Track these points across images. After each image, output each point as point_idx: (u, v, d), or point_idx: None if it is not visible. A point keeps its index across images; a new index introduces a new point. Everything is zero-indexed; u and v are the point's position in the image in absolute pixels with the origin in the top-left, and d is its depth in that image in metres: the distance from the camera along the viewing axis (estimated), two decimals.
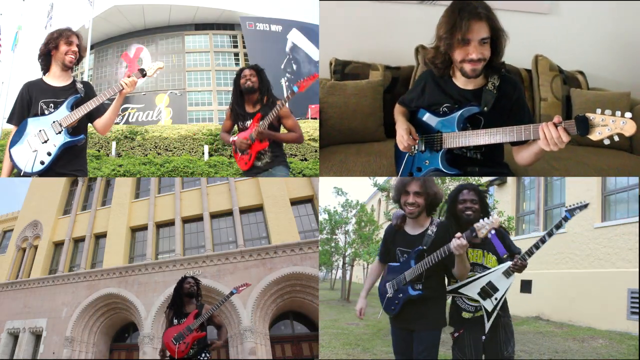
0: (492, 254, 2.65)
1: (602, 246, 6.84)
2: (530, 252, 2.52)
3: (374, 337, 6.49)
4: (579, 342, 5.65)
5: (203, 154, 11.86)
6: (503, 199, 9.52)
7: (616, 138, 2.32)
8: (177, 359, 3.19)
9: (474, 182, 7.53)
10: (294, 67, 32.47)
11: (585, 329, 6.48)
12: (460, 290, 2.59)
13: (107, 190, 12.07)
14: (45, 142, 2.90)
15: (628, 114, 2.30)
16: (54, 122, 2.92)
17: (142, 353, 8.43)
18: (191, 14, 33.21)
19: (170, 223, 10.44)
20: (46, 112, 2.96)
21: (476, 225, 2.33)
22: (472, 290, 2.54)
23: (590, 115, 2.36)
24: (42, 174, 2.93)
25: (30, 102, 3.02)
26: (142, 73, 3.02)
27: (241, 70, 3.89)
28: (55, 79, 3.04)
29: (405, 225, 2.76)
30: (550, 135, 2.45)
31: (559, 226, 2.52)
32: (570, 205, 2.55)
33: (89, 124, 3.13)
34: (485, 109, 2.88)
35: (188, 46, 34.23)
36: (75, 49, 3.01)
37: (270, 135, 3.74)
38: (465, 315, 2.62)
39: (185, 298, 3.43)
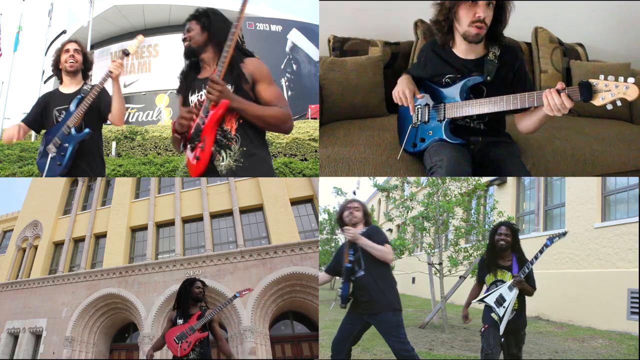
0: (511, 273, 3.17)
1: (602, 246, 6.84)
2: (523, 272, 3.07)
3: (374, 337, 6.48)
4: (579, 342, 5.65)
5: None
6: (503, 199, 9.52)
7: (619, 103, 2.37)
8: (179, 357, 3.20)
9: (476, 183, 7.55)
10: (294, 67, 32.45)
11: (585, 329, 6.47)
12: (485, 300, 3.20)
13: (107, 190, 12.07)
14: (59, 145, 3.15)
15: (631, 79, 2.35)
16: (64, 126, 3.18)
17: (142, 353, 8.43)
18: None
19: (170, 223, 10.44)
20: (59, 119, 3.21)
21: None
22: (491, 300, 3.14)
23: (593, 81, 2.42)
24: (65, 173, 3.17)
25: (45, 109, 3.27)
26: (125, 53, 3.19)
27: (187, 20, 2.58)
28: (66, 87, 3.30)
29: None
30: (553, 101, 2.51)
31: (541, 251, 3.06)
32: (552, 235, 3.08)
33: (106, 122, 3.34)
34: (489, 78, 2.94)
35: None
36: (72, 53, 3.24)
37: (234, 100, 2.27)
38: (494, 316, 3.13)
39: (191, 301, 3.44)
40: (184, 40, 2.52)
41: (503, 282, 3.17)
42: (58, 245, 11.58)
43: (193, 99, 2.53)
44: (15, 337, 10.00)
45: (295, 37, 32.52)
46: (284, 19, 33.57)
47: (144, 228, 10.67)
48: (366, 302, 2.90)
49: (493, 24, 2.89)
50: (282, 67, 31.61)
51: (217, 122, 2.31)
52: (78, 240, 11.33)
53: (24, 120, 3.28)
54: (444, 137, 3.04)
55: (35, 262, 11.25)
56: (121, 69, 3.06)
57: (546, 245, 3.05)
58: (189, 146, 2.41)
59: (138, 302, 8.98)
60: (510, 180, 9.84)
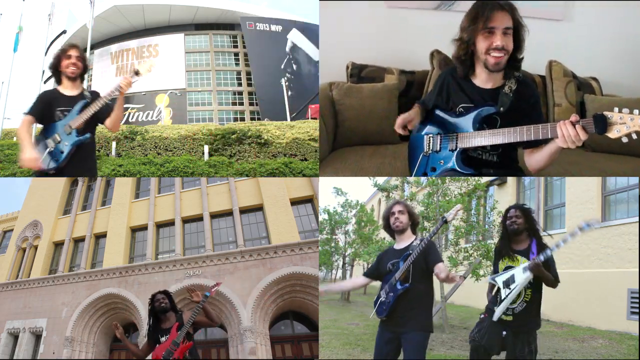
0: (523, 258, 2.98)
1: (602, 246, 6.84)
2: (545, 255, 2.85)
3: (374, 337, 6.48)
4: (579, 342, 5.65)
5: (203, 154, 11.86)
6: (503, 199, 9.52)
7: (634, 136, 2.34)
8: None
9: (476, 184, 7.55)
10: (294, 67, 32.46)
11: (585, 329, 6.48)
12: (495, 279, 2.96)
13: (107, 190, 12.08)
14: (59, 142, 3.30)
15: None
16: (64, 125, 3.32)
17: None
18: (191, 14, 33.23)
19: (170, 223, 10.44)
20: (61, 118, 3.35)
21: (445, 214, 2.84)
22: (500, 279, 2.92)
23: (608, 113, 2.38)
24: (57, 172, 3.30)
25: (48, 108, 3.36)
26: (136, 72, 3.30)
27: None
28: (67, 89, 3.42)
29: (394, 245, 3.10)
30: (567, 133, 2.48)
31: (573, 234, 2.81)
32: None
33: (100, 125, 3.45)
34: (502, 109, 2.91)
35: (188, 46, 34.22)
36: (74, 60, 3.35)
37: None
38: (495, 308, 2.94)
39: (160, 315, 3.40)
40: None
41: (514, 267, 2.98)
42: (58, 245, 11.58)
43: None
44: (15, 337, 10.00)
45: (295, 37, 32.54)
46: (284, 19, 33.60)
47: (144, 228, 10.67)
48: (401, 318, 2.83)
49: (512, 50, 2.88)
50: (282, 67, 31.63)
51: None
52: (78, 240, 11.33)
53: (31, 114, 3.34)
54: (455, 166, 3.00)
55: (35, 262, 11.25)
56: (130, 86, 3.29)
57: (581, 228, 2.76)
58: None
59: (138, 302, 8.98)
60: (510, 181, 9.84)
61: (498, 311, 2.85)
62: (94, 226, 11.23)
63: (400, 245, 3.00)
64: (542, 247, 2.96)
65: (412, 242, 2.93)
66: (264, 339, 8.08)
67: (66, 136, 3.28)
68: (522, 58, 2.95)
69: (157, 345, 3.30)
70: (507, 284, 2.86)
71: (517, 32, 2.83)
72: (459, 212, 2.85)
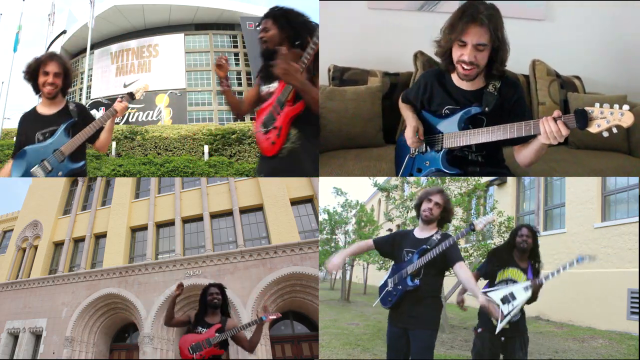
0: (525, 275, 3.21)
1: (602, 246, 6.84)
2: (545, 278, 3.11)
3: (374, 337, 6.50)
4: (579, 342, 5.65)
5: (203, 154, 11.87)
6: (503, 199, 9.53)
7: (615, 130, 2.37)
8: None
9: (476, 183, 7.55)
10: None
11: (585, 329, 6.48)
12: (489, 295, 3.08)
13: (107, 190, 12.08)
14: (50, 172, 2.89)
15: (626, 106, 2.36)
16: (54, 150, 2.89)
17: (142, 353, 8.43)
18: (191, 14, 33.22)
19: (170, 223, 10.44)
20: (41, 140, 2.93)
21: (474, 221, 2.82)
22: (497, 295, 3.07)
23: (589, 108, 2.41)
24: None
25: (26, 137, 2.98)
26: (132, 97, 3.09)
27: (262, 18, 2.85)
28: (46, 107, 3.00)
29: (414, 230, 3.02)
30: (550, 129, 2.50)
31: (571, 264, 3.06)
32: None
33: (89, 145, 3.14)
34: (487, 109, 2.92)
35: (188, 46, 34.21)
36: (51, 79, 2.89)
37: (300, 81, 2.51)
38: (494, 322, 3.10)
39: (209, 309, 3.26)
40: (261, 39, 2.76)
41: (515, 282, 3.14)
42: (58, 245, 11.59)
43: (263, 88, 2.86)
44: (15, 337, 10.01)
45: None
46: None
47: (144, 228, 10.68)
48: (408, 314, 2.79)
49: (489, 64, 2.87)
50: None
51: (293, 118, 2.65)
52: (78, 240, 11.33)
53: (13, 156, 2.99)
54: (441, 167, 3.03)
55: (35, 262, 11.25)
56: (125, 111, 3.17)
57: (578, 261, 3.04)
58: (261, 128, 2.73)
59: (138, 302, 8.99)
60: (510, 180, 9.84)
61: (500, 326, 3.01)
62: (94, 226, 11.24)
63: (421, 234, 2.92)
64: (536, 271, 3.23)
65: (433, 235, 2.85)
66: (264, 339, 8.08)
67: (58, 164, 2.90)
68: (503, 71, 2.93)
69: (191, 332, 3.19)
70: (507, 300, 3.05)
71: (494, 48, 2.79)
72: (489, 224, 2.94)
